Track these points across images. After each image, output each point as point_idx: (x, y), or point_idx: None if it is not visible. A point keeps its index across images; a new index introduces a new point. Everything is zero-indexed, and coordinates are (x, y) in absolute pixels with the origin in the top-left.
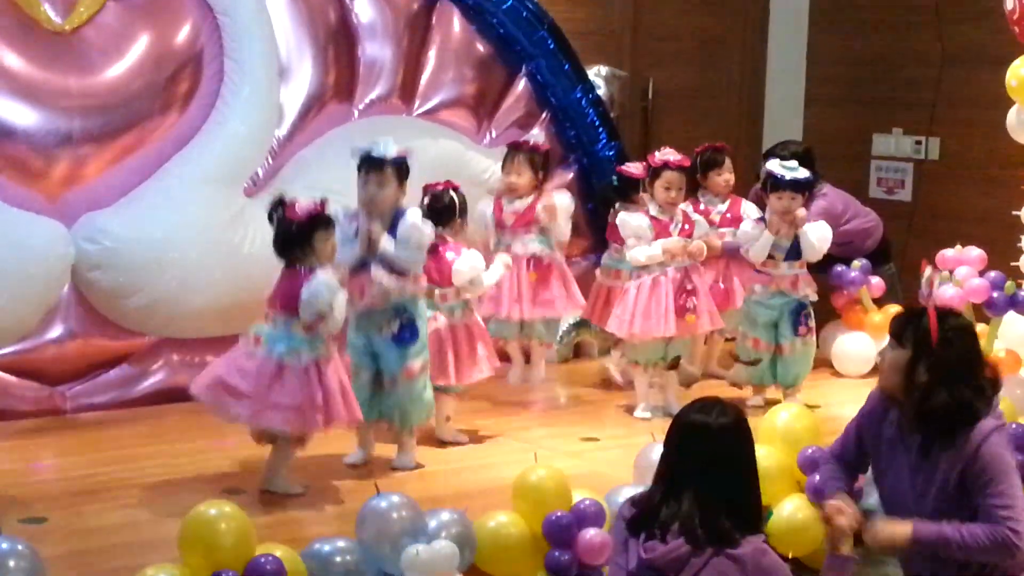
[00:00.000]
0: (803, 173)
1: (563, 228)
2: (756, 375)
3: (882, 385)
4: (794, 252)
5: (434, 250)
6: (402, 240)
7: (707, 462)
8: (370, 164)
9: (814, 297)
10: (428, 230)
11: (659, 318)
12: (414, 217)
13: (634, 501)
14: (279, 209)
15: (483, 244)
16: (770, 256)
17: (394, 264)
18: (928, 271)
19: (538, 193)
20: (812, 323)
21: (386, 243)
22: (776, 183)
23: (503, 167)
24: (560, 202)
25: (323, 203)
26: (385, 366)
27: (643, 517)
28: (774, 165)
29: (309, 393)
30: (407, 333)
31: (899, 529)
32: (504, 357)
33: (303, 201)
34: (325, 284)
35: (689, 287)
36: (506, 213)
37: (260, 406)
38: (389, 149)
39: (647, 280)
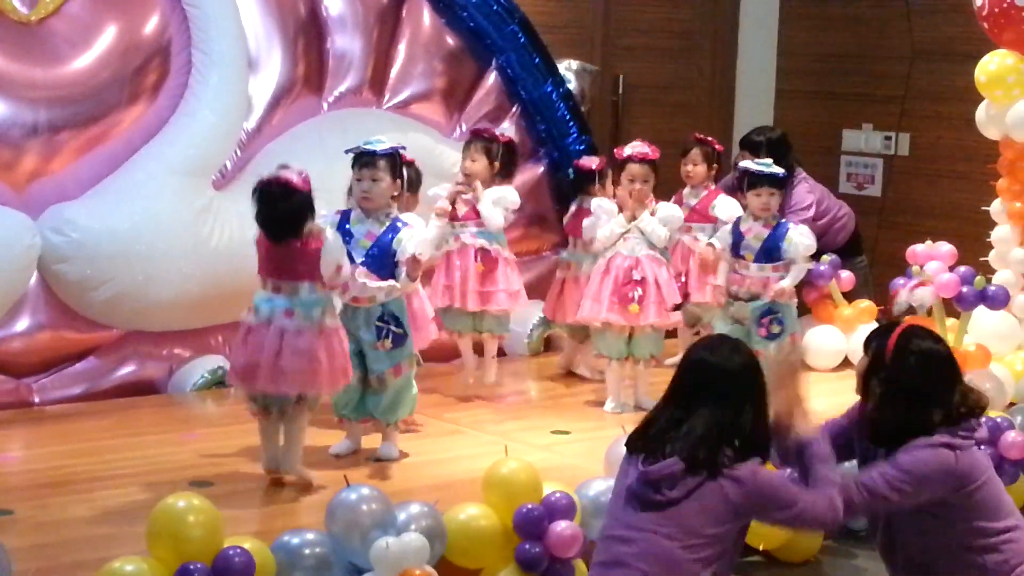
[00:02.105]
0: (778, 169)
1: (490, 214)
2: None
3: (856, 389)
4: (764, 254)
5: None
6: (403, 254)
7: (715, 396)
8: (363, 159)
9: (785, 300)
10: (432, 251)
11: (599, 303)
12: (418, 233)
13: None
14: (275, 186)
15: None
16: (741, 256)
17: (381, 267)
18: (902, 295)
19: (494, 184)
20: (780, 327)
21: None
22: (753, 179)
23: (462, 154)
24: (501, 192)
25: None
26: (373, 366)
27: (643, 437)
28: (749, 164)
29: (345, 350)
30: (398, 343)
31: (809, 429)
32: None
33: (287, 173)
34: (335, 234)
35: (638, 277)
36: (458, 202)
37: (335, 374)
38: (380, 144)
39: (602, 264)
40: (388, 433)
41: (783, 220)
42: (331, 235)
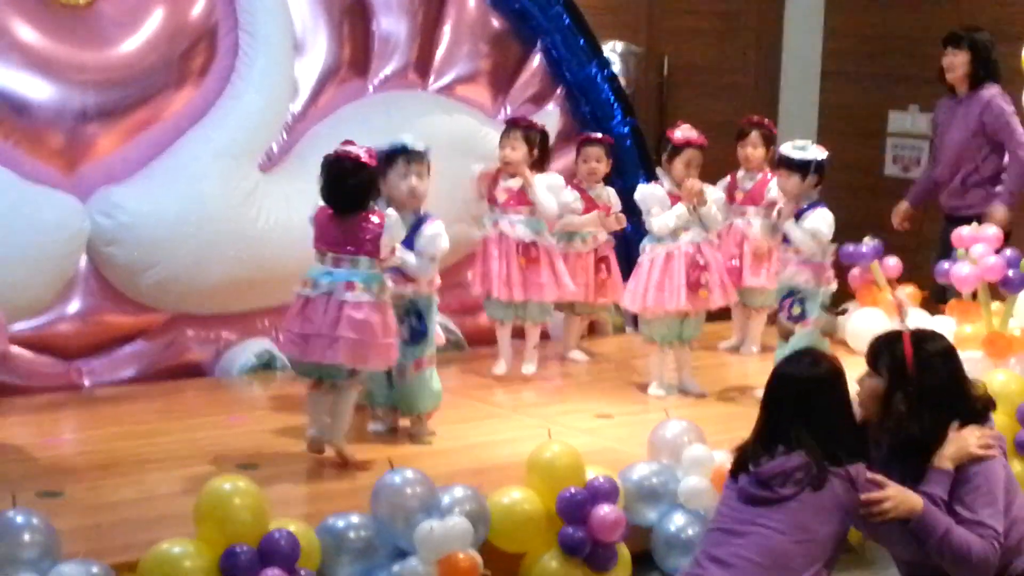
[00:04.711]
0: (811, 154)
1: (545, 199)
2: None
3: (861, 416)
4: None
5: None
6: (418, 251)
7: (807, 408)
8: (412, 156)
9: (807, 285)
10: (445, 244)
11: (672, 292)
12: (435, 229)
13: (736, 448)
14: (345, 161)
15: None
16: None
17: (405, 269)
18: (900, 294)
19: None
20: (801, 309)
21: (401, 252)
22: (777, 161)
23: (500, 142)
24: (551, 179)
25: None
26: None
27: (745, 454)
28: (786, 148)
29: (396, 328)
30: (418, 334)
31: (914, 499)
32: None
33: (355, 149)
34: (396, 215)
35: (702, 262)
36: (499, 189)
37: (387, 349)
38: (420, 143)
39: (661, 253)
40: (413, 422)
41: (815, 202)
42: (393, 214)
